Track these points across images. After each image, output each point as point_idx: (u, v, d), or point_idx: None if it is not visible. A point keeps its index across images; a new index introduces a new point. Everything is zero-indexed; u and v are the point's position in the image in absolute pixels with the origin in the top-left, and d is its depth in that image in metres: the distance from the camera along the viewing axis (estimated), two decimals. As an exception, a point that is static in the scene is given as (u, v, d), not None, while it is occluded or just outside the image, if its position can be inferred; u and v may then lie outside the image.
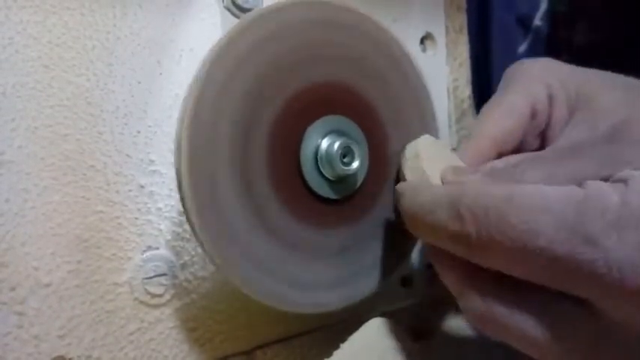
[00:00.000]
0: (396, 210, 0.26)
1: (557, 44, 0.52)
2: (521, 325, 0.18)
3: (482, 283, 0.19)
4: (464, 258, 0.20)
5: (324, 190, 0.24)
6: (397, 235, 0.27)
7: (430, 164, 0.23)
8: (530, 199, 0.17)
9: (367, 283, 0.26)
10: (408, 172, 0.24)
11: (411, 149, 0.25)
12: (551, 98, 0.26)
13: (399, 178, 0.26)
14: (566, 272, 0.16)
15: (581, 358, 0.18)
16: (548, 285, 0.17)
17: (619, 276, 0.15)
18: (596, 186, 0.17)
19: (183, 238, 0.27)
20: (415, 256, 0.35)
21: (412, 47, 0.35)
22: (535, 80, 0.27)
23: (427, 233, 0.21)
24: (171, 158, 0.26)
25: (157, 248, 0.26)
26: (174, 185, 0.26)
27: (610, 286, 0.16)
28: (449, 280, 0.21)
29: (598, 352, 0.17)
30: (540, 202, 0.17)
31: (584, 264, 0.16)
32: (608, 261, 0.15)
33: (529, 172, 0.21)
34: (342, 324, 0.31)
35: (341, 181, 0.24)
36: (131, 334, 0.25)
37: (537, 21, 0.52)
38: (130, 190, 0.25)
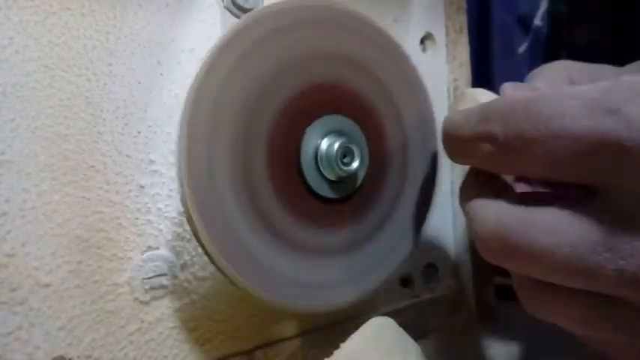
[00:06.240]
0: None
1: (557, 44, 0.52)
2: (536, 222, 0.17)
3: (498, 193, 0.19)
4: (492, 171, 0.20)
5: (325, 190, 0.24)
6: (398, 234, 0.27)
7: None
8: (560, 91, 0.17)
9: (367, 282, 0.26)
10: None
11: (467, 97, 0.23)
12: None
13: None
14: (589, 150, 0.16)
15: (598, 246, 0.17)
16: (569, 176, 0.17)
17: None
18: (628, 76, 0.16)
19: (183, 239, 0.27)
20: (415, 256, 0.35)
21: (412, 47, 0.35)
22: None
23: (460, 152, 0.21)
24: (171, 158, 0.26)
25: (157, 248, 0.26)
26: (174, 185, 0.26)
27: (631, 154, 0.15)
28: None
29: (614, 237, 0.16)
30: (569, 91, 0.17)
31: (606, 135, 0.15)
32: (630, 126, 0.15)
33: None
34: (342, 324, 0.31)
35: (341, 181, 0.24)
36: (131, 334, 0.25)
37: (537, 21, 0.52)
38: (130, 191, 0.25)
